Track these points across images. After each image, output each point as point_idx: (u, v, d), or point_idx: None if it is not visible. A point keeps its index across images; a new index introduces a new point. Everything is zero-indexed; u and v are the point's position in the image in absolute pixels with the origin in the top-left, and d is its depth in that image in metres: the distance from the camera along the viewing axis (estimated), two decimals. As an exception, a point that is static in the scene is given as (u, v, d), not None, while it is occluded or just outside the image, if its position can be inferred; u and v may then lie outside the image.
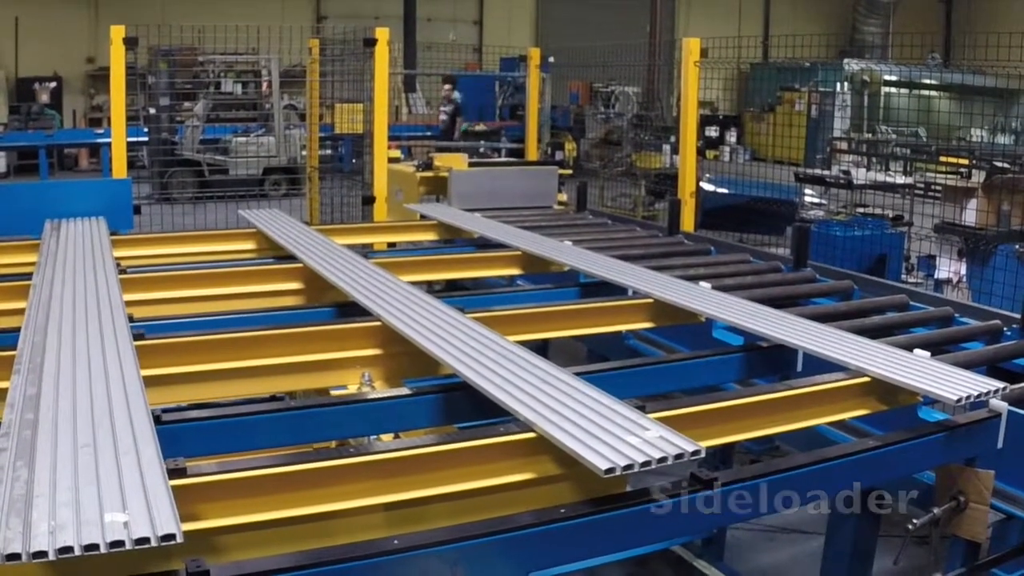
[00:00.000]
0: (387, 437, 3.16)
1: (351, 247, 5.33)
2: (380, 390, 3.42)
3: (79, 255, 4.67)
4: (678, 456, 2.44)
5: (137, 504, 2.05)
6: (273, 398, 3.80)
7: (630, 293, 4.58)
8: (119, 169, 7.35)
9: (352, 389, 3.50)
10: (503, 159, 13.75)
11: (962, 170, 11.13)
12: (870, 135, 18.88)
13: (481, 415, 3.08)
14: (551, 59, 16.65)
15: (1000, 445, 3.15)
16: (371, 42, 7.86)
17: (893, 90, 22.78)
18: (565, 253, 5.40)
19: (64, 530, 1.93)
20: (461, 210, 6.78)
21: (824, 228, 9.50)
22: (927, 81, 19.82)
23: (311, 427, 3.04)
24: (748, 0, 32.22)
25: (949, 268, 8.84)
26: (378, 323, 3.73)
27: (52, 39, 24.31)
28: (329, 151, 14.43)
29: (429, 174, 8.29)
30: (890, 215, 11.00)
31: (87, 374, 2.91)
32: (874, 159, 15.43)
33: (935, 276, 9.15)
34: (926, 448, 3.00)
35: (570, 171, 12.54)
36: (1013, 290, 6.24)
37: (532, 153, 10.21)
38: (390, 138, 8.61)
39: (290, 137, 17.34)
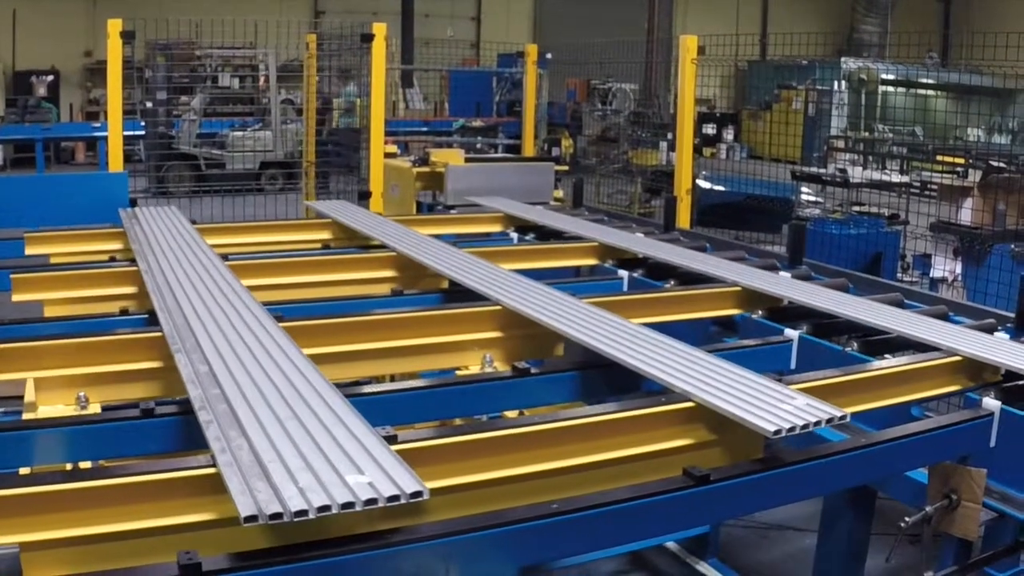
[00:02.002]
0: (511, 414, 3.31)
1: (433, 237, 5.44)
2: (507, 369, 3.55)
3: (173, 242, 4.76)
4: (828, 420, 2.67)
5: (371, 468, 2.14)
6: (356, 383, 3.89)
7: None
8: (115, 163, 7.33)
9: (474, 370, 3.62)
10: (500, 155, 13.75)
11: (958, 169, 11.14)
12: (867, 134, 18.90)
13: (611, 391, 3.33)
14: (549, 55, 16.65)
15: (992, 444, 3.15)
16: (368, 37, 7.85)
17: (890, 89, 22.79)
18: (640, 244, 5.50)
19: (314, 491, 2.02)
20: (522, 202, 6.84)
21: (820, 226, 9.52)
22: (924, 80, 19.84)
23: (449, 404, 3.24)
24: (746, -2, 32.27)
25: (944, 267, 8.86)
26: (497, 307, 3.85)
27: (50, 33, 24.29)
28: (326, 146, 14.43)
29: (425, 169, 8.27)
30: (886, 214, 11.02)
31: (249, 353, 2.98)
32: (871, 158, 15.45)
33: (930, 275, 9.16)
34: (919, 446, 3.00)
35: (567, 167, 12.55)
36: (1008, 289, 6.24)
37: (529, 149, 10.21)
38: (387, 133, 8.60)
39: (287, 132, 17.34)
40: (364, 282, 4.78)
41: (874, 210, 11.31)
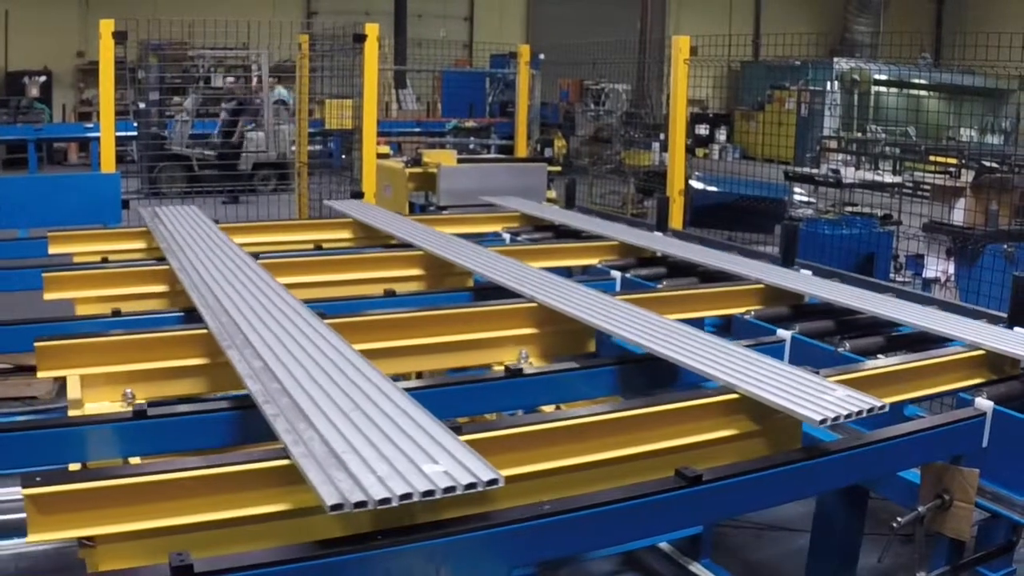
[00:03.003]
0: (547, 408, 3.38)
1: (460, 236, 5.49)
2: (543, 365, 3.62)
3: (201, 241, 4.78)
4: (869, 410, 2.75)
5: (444, 457, 2.19)
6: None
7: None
8: (108, 163, 7.33)
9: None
10: (492, 155, 13.75)
11: (951, 170, 11.14)
12: (860, 134, 18.90)
13: (648, 385, 3.42)
14: (541, 56, 16.65)
15: (985, 444, 3.15)
16: (361, 38, 7.85)
17: (883, 89, 22.81)
18: (660, 242, 5.54)
19: (394, 479, 2.05)
20: (537, 202, 6.86)
21: (813, 227, 9.51)
22: (917, 81, 19.85)
23: (488, 398, 3.31)
24: (739, -2, 32.30)
25: (937, 267, 8.86)
26: (531, 304, 3.90)
27: (42, 33, 24.23)
28: (319, 146, 14.43)
29: (418, 170, 8.29)
30: (879, 214, 11.01)
31: (300, 348, 3.01)
32: (863, 158, 15.44)
33: (923, 275, 9.16)
34: (912, 446, 3.00)
35: (559, 168, 12.55)
36: (1001, 289, 6.24)
37: (521, 150, 10.22)
38: (379, 134, 8.60)
39: (279, 132, 17.30)
40: (395, 280, 4.83)
41: (867, 210, 11.29)
